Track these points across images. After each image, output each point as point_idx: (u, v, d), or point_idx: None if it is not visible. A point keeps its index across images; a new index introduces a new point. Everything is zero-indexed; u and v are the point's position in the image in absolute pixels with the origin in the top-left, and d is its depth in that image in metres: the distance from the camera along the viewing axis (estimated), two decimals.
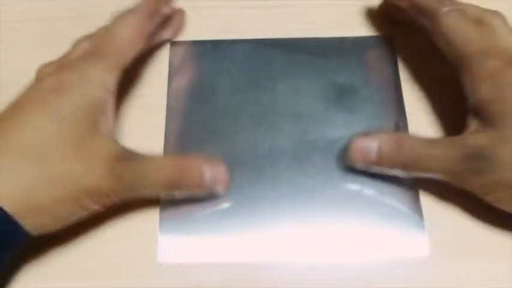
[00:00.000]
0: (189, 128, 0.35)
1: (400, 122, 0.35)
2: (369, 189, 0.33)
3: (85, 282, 0.31)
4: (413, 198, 0.33)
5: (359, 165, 0.32)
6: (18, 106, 0.30)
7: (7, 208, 0.27)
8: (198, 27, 0.39)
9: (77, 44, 0.33)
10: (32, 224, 0.28)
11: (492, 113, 0.29)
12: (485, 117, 0.30)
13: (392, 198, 0.33)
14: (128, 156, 0.29)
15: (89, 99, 0.30)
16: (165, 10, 0.37)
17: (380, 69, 0.37)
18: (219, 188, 0.31)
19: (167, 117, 0.36)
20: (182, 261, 0.32)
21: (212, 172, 0.31)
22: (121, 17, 0.33)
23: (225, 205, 0.33)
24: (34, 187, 0.27)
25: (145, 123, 0.36)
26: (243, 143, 0.34)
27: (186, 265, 0.32)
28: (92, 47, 0.32)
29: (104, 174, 0.28)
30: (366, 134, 0.32)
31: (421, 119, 0.35)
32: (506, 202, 0.30)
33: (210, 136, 0.35)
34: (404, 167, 0.31)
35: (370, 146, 0.31)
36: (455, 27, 0.31)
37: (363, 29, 0.39)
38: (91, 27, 0.33)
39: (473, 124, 0.30)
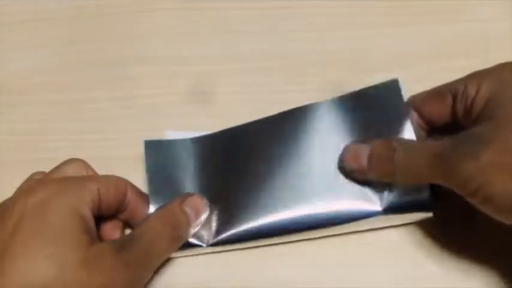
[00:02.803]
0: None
1: None
2: None
3: None
4: None
5: (349, 167, 0.31)
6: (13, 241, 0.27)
7: None
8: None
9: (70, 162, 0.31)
10: None
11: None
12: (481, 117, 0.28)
13: None
14: (121, 245, 0.29)
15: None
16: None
17: None
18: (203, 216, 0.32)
19: None
20: None
21: (194, 212, 0.31)
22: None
23: None
24: None
25: None
26: None
27: None
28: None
29: (116, 277, 0.28)
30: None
31: None
32: (501, 198, 0.25)
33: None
34: (395, 175, 0.29)
35: (361, 150, 0.31)
36: None
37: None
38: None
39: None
